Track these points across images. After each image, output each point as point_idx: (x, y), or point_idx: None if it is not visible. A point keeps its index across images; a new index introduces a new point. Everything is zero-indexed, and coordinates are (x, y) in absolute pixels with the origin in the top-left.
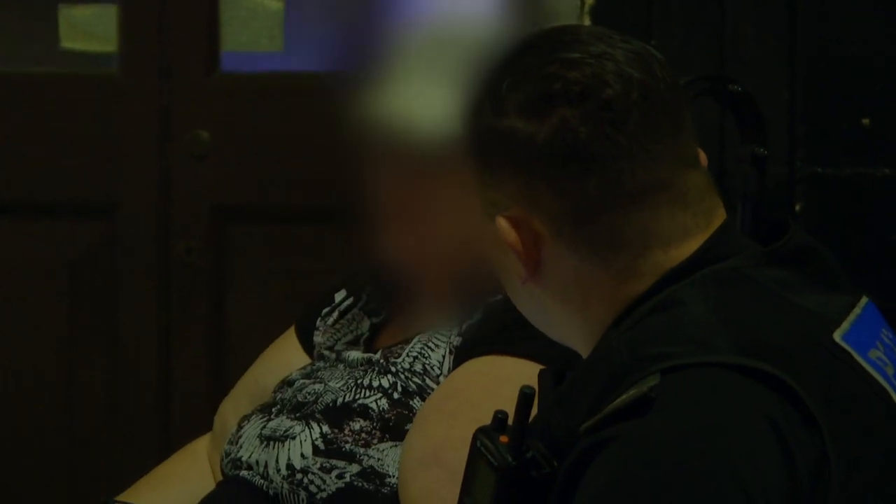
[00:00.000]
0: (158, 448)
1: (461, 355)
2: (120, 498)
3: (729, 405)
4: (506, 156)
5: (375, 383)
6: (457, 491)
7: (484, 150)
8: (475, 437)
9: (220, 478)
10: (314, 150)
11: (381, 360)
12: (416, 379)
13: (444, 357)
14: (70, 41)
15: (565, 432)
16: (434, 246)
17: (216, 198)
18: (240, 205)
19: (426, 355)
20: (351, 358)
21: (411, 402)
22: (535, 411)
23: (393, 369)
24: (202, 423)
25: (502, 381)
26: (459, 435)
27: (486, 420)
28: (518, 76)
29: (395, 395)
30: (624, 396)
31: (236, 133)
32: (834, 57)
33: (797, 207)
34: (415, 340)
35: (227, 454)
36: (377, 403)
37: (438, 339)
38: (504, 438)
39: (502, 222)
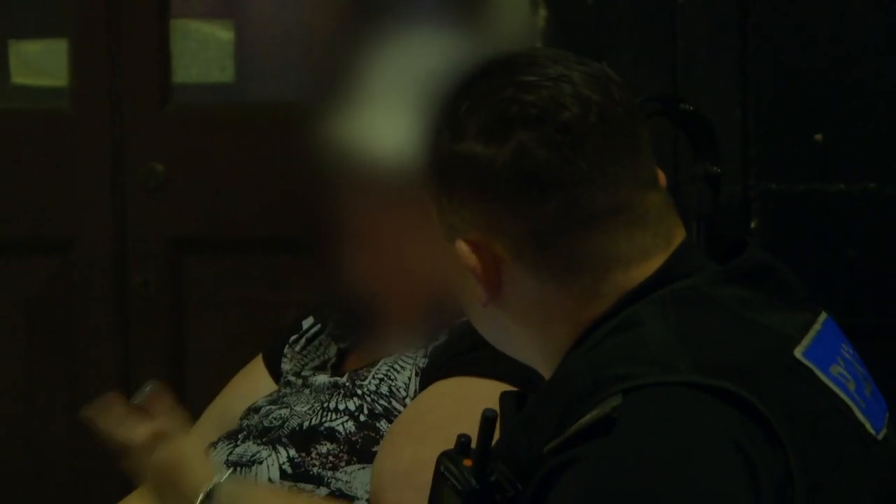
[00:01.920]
0: (122, 482)
1: (428, 376)
2: None
3: (691, 424)
4: (465, 180)
5: (342, 406)
6: None
7: (443, 175)
8: (439, 462)
9: None
10: (269, 181)
11: (348, 384)
12: (382, 401)
13: (410, 379)
14: (21, 76)
15: (529, 454)
16: (396, 272)
17: (172, 230)
18: (195, 236)
19: (392, 377)
20: (317, 382)
21: (378, 424)
22: (498, 434)
23: (359, 392)
24: None
25: (470, 402)
26: (429, 457)
27: (453, 442)
28: (475, 101)
29: (362, 418)
30: (587, 417)
31: (190, 165)
32: (785, 74)
33: (752, 224)
34: (381, 363)
35: None
36: (343, 426)
37: (404, 361)
38: (468, 462)
39: (462, 246)
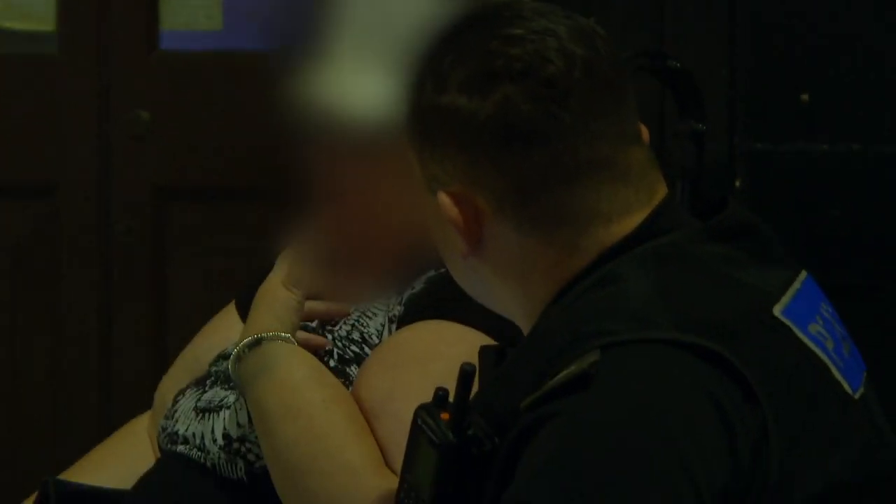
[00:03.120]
0: (100, 427)
1: (404, 323)
2: (61, 477)
3: (669, 381)
4: (448, 133)
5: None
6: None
7: (426, 128)
8: (416, 414)
9: (159, 454)
10: (253, 130)
11: (317, 329)
12: (353, 347)
13: (383, 325)
14: (7, 20)
15: (506, 409)
16: (373, 223)
17: (156, 177)
18: (179, 184)
19: (364, 323)
20: None
21: (348, 370)
22: (476, 388)
23: (328, 336)
24: (144, 402)
25: (449, 342)
26: (406, 385)
27: (433, 375)
28: (460, 53)
29: (332, 363)
30: (564, 372)
31: (176, 112)
32: (773, 33)
33: (737, 183)
34: (351, 310)
35: (164, 429)
36: None
37: (377, 308)
38: (445, 415)
39: (444, 198)
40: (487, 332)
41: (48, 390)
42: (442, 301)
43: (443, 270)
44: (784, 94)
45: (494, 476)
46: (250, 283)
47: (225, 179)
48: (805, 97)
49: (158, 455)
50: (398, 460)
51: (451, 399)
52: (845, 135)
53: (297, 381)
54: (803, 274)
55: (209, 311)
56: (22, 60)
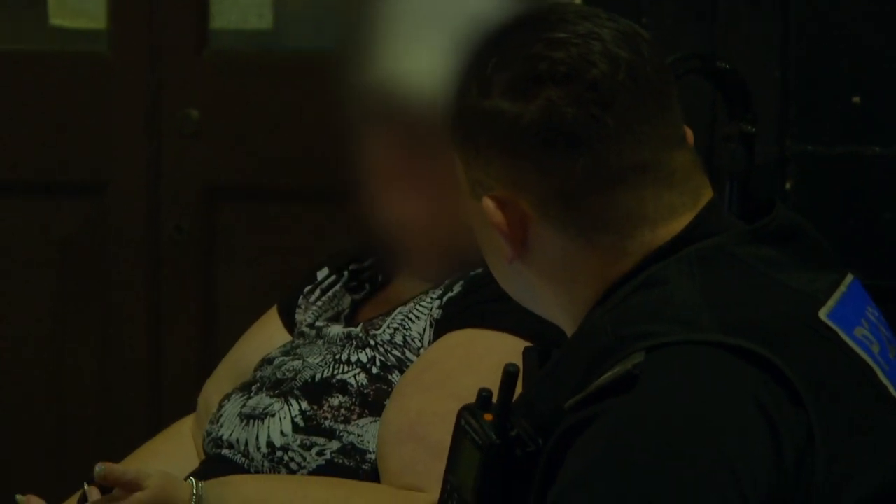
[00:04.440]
0: (148, 426)
1: (441, 327)
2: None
3: (713, 383)
4: (492, 137)
5: (353, 358)
6: (434, 464)
7: (470, 131)
8: (460, 415)
9: (203, 457)
10: (303, 129)
11: (361, 334)
12: (395, 352)
13: (424, 329)
14: (59, 18)
15: (550, 410)
16: (423, 215)
17: (206, 176)
18: (229, 183)
19: (407, 327)
20: (331, 333)
21: (390, 377)
22: (520, 389)
23: (372, 342)
24: (192, 401)
25: (480, 354)
26: (436, 408)
27: (463, 393)
28: (504, 56)
29: (374, 370)
30: (609, 374)
31: (226, 111)
32: (824, 36)
33: (787, 186)
34: (396, 312)
35: (209, 433)
36: (356, 379)
37: (420, 311)
38: (488, 416)
39: (488, 202)
40: (522, 334)
41: (96, 388)
42: (478, 304)
43: (481, 270)
44: (835, 96)
45: (538, 477)
46: (294, 286)
47: (274, 178)
48: (856, 100)
49: (202, 457)
50: (418, 483)
51: (494, 400)
52: None
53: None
54: (849, 277)
55: (258, 310)
56: (74, 58)
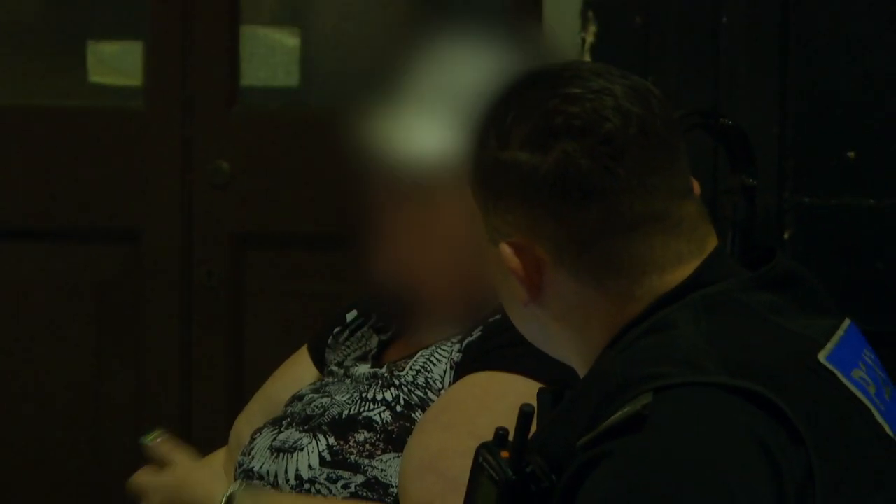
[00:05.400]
0: None
1: (461, 370)
2: None
3: (718, 422)
4: (510, 186)
5: (379, 396)
6: (452, 498)
7: (489, 181)
8: (478, 453)
9: None
10: (326, 181)
11: (386, 374)
12: (418, 392)
13: (445, 372)
14: (98, 76)
15: (563, 448)
16: (437, 268)
17: (235, 225)
18: (258, 232)
19: (429, 369)
20: (358, 373)
21: (413, 415)
22: (534, 428)
23: (396, 382)
24: (222, 438)
25: (497, 395)
26: (455, 445)
27: (481, 431)
28: (522, 110)
29: (398, 408)
30: (619, 414)
31: (254, 164)
32: (822, 92)
33: (786, 235)
34: (418, 355)
35: (240, 465)
36: (381, 416)
37: (440, 355)
38: (505, 454)
39: (505, 248)
40: (537, 377)
41: (130, 429)
42: (495, 349)
43: (499, 316)
44: (831, 151)
45: None
46: (324, 326)
47: (300, 227)
48: (851, 154)
49: None
50: None
51: (510, 438)
52: (889, 190)
53: None
54: (847, 322)
55: (285, 353)
56: (111, 113)
